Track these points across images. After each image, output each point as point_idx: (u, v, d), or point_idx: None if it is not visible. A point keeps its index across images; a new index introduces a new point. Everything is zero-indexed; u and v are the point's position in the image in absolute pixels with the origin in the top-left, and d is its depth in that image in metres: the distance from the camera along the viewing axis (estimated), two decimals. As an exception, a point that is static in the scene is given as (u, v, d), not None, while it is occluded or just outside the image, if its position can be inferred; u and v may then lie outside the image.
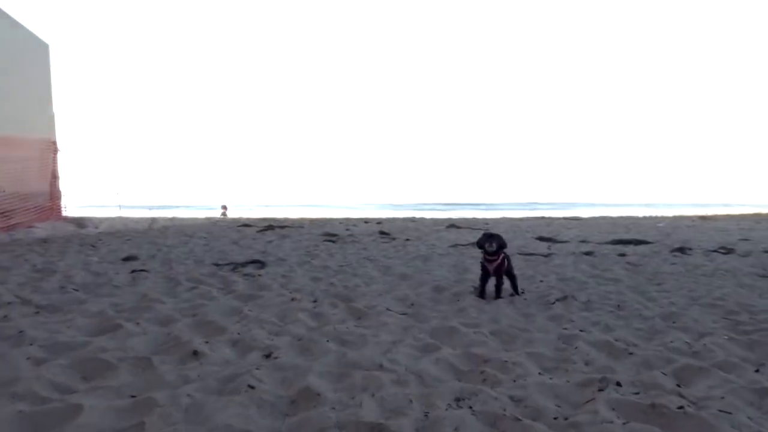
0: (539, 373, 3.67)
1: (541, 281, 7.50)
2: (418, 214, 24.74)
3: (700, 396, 3.26)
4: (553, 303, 6.03)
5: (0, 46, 14.67)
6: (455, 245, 11.48)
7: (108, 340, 4.27)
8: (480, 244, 6.23)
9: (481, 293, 6.33)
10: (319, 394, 3.17)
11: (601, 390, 3.30)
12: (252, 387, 3.23)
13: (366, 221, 18.63)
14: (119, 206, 27.67)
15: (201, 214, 28.32)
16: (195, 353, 3.91)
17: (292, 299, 5.94)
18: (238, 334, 4.55)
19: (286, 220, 18.71)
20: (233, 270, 8.09)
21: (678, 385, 3.48)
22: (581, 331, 4.81)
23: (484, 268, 6.34)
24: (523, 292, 6.65)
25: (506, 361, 3.81)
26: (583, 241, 12.66)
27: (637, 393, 3.29)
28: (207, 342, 4.22)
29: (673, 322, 5.25)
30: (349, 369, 3.68)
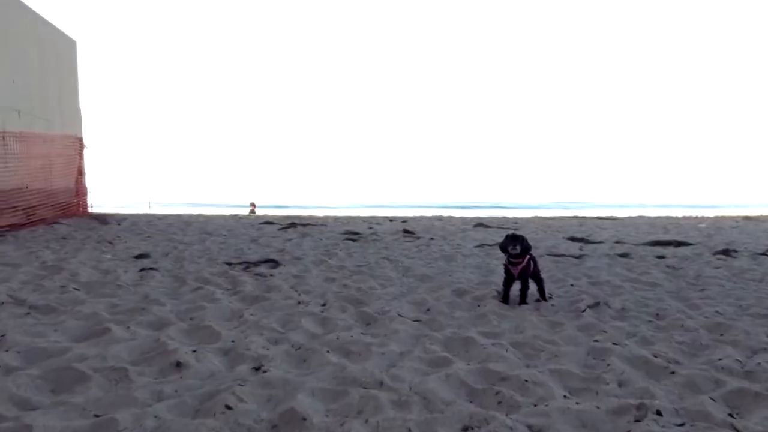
0: (564, 396, 3.17)
1: (572, 285, 6.94)
2: (447, 213, 24.18)
3: (759, 430, 2.73)
4: (584, 310, 5.49)
5: (28, 44, 14.71)
6: (481, 245, 10.95)
7: (91, 346, 3.94)
8: (503, 247, 5.73)
9: (505, 298, 5.83)
10: (305, 419, 2.74)
11: (637, 420, 2.80)
12: (229, 407, 2.83)
13: (391, 220, 18.19)
14: (149, 203, 27.85)
15: (230, 211, 28.31)
16: (178, 364, 3.53)
17: (299, 302, 5.54)
18: (232, 341, 4.17)
19: (310, 218, 18.40)
20: (245, 269, 7.75)
21: (731, 415, 2.94)
22: (615, 344, 4.27)
23: (507, 272, 5.84)
24: (550, 298, 6.12)
25: (527, 381, 3.32)
26: (618, 242, 11.97)
27: (682, 424, 2.78)
28: (195, 351, 3.84)
29: (721, 335, 4.66)
30: (346, 386, 3.25)
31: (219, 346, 4.02)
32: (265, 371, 3.44)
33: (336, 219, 18.37)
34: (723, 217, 21.05)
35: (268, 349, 3.98)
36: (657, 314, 5.44)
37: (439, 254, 9.71)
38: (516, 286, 5.89)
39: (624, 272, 8.04)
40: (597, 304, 5.75)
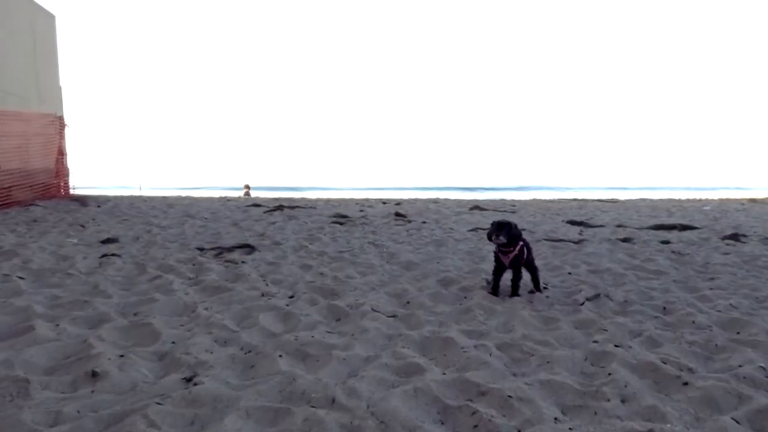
0: (555, 419, 2.59)
1: (569, 274, 6.36)
2: (445, 196, 23.57)
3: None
4: (582, 303, 4.91)
5: (4, 17, 13.97)
6: (475, 229, 10.36)
7: (4, 349, 3.36)
8: (489, 236, 5.14)
9: (494, 289, 5.25)
10: (225, 452, 2.17)
11: (646, 455, 2.22)
12: (133, 437, 2.25)
13: (384, 202, 17.59)
14: (139, 186, 27.22)
15: (224, 194, 27.75)
16: (94, 374, 2.95)
17: (263, 294, 4.96)
18: (173, 343, 3.59)
19: (301, 200, 17.81)
20: (217, 255, 7.17)
21: (761, 444, 2.37)
22: (617, 346, 3.69)
23: (497, 260, 5.25)
24: (545, 288, 5.55)
25: (510, 396, 2.75)
26: (620, 226, 11.37)
27: (702, 461, 2.20)
28: (122, 355, 3.26)
29: (737, 333, 4.09)
30: (290, 403, 2.68)
31: (155, 348, 3.45)
32: (196, 383, 2.87)
33: (328, 202, 17.77)
34: (727, 200, 20.45)
35: (211, 353, 3.41)
36: (664, 308, 4.87)
37: (430, 239, 9.13)
38: (507, 276, 5.32)
39: (626, 259, 7.45)
40: (597, 296, 5.17)
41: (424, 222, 11.61)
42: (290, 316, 4.32)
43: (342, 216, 12.26)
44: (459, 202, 18.49)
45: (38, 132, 14.20)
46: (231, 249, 7.60)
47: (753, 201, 19.29)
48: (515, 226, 5.14)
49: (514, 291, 5.18)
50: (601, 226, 11.43)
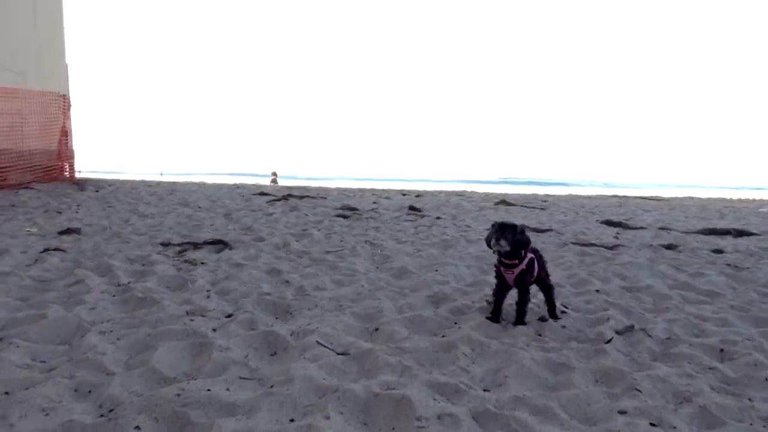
0: None
1: (597, 292, 5.09)
2: (473, 189, 22.24)
3: None
4: (609, 341, 3.66)
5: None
6: (495, 228, 9.09)
7: None
8: (487, 241, 3.93)
9: (494, 314, 4.04)
10: None
11: None
12: None
13: (404, 194, 16.40)
14: (161, 172, 26.73)
15: (255, 181, 27.11)
16: None
17: (188, 313, 3.87)
18: (6, 393, 2.52)
19: (317, 189, 16.78)
20: (180, 253, 6.14)
21: None
22: (653, 425, 2.46)
23: (499, 276, 4.05)
24: (564, 313, 4.30)
25: None
26: (663, 229, 9.92)
27: None
28: None
29: (835, 403, 2.80)
30: None
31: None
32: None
33: (342, 191, 16.68)
34: (786, 201, 18.51)
35: (46, 415, 2.32)
36: (721, 350, 3.59)
37: (439, 238, 7.92)
38: (513, 294, 4.11)
39: (670, 272, 6.11)
40: (630, 328, 3.91)
41: (439, 218, 10.38)
42: (205, 348, 3.21)
43: (350, 208, 11.14)
44: (486, 196, 17.16)
45: (37, 111, 13.47)
46: (200, 245, 6.56)
47: (816, 203, 17.33)
48: (522, 230, 3.90)
49: (519, 319, 3.96)
50: (642, 228, 10.00)
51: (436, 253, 6.81)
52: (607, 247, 7.51)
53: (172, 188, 14.66)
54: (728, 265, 6.57)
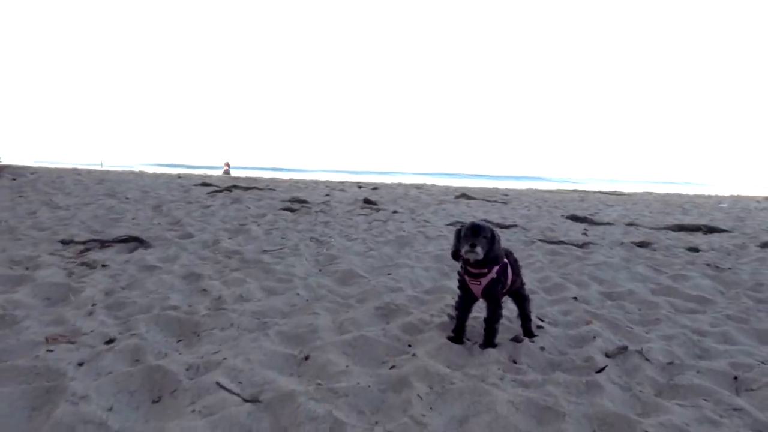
0: None
1: (575, 299, 4.36)
2: (432, 181, 21.52)
3: None
4: (602, 370, 2.89)
5: None
6: (456, 223, 8.34)
7: None
8: (455, 252, 3.11)
9: (457, 334, 3.24)
10: None
11: None
12: None
13: (360, 186, 15.53)
14: (101, 163, 25.07)
15: (207, 172, 25.83)
16: None
17: (48, 340, 2.91)
18: None
19: (266, 180, 15.72)
20: (82, 252, 5.13)
21: None
22: None
23: (463, 287, 3.24)
24: (540, 328, 3.53)
25: None
26: (631, 224, 9.38)
27: None
28: None
29: None
30: None
31: None
32: None
33: (295, 183, 15.69)
34: (742, 197, 18.50)
35: None
36: (735, 378, 2.89)
37: (394, 235, 7.09)
38: (480, 306, 3.31)
39: (650, 274, 5.46)
40: (623, 349, 3.16)
41: (396, 212, 9.56)
42: (53, 397, 2.27)
43: (299, 201, 10.20)
44: (446, 189, 16.46)
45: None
46: (109, 243, 5.54)
47: (771, 199, 17.32)
48: (497, 237, 3.10)
49: (488, 340, 3.15)
50: (609, 223, 9.42)
51: (390, 252, 5.98)
52: (577, 245, 6.84)
53: (103, 178, 13.38)
54: (708, 265, 5.98)
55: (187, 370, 2.60)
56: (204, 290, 4.08)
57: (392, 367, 2.80)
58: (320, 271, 5.02)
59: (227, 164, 32.57)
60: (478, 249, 2.95)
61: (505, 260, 3.24)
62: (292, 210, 8.95)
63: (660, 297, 4.55)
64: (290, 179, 18.04)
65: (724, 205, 14.09)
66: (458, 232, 3.10)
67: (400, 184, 18.02)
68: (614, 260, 6.03)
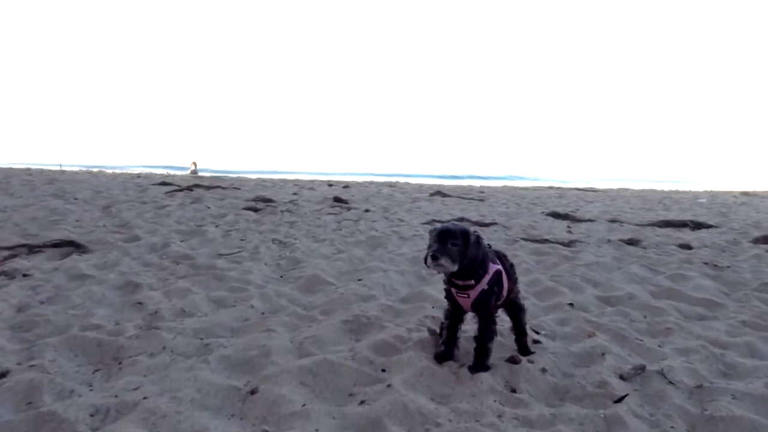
0: None
1: (571, 306, 3.84)
2: (405, 180, 21.01)
3: None
4: (620, 399, 2.35)
5: None
6: (432, 222, 7.79)
7: None
8: (428, 258, 2.54)
9: (445, 351, 2.70)
10: None
11: None
12: None
13: (330, 184, 14.91)
14: (60, 165, 23.91)
15: (163, 172, 24.92)
16: None
17: None
18: None
19: (231, 179, 15.00)
20: (6, 259, 4.43)
21: None
22: None
23: (450, 298, 2.67)
24: (537, 342, 2.99)
25: None
26: (614, 221, 8.96)
27: None
28: None
29: None
30: None
31: None
32: None
33: (262, 182, 14.99)
34: (719, 192, 18.40)
35: None
36: (777, 401, 2.37)
37: (366, 235, 6.51)
38: (469, 325, 2.76)
39: (646, 274, 4.99)
40: (641, 370, 2.63)
41: (368, 210, 8.97)
42: None
43: (264, 200, 9.54)
44: (420, 187, 15.94)
45: None
46: (40, 248, 4.83)
47: (746, 194, 17.24)
48: (477, 238, 2.54)
49: (480, 362, 2.59)
50: (591, 220, 8.99)
51: (361, 254, 5.40)
52: (563, 244, 6.35)
53: (56, 178, 12.51)
54: (706, 263, 5.54)
55: (91, 416, 1.98)
56: (139, 303, 3.43)
57: (362, 403, 2.22)
58: (281, 277, 4.41)
59: (194, 164, 31.56)
60: (444, 261, 2.39)
61: (499, 267, 2.68)
62: (255, 209, 8.30)
63: (663, 301, 4.06)
64: (257, 178, 17.30)
65: (703, 200, 13.87)
66: (433, 232, 2.54)
67: (372, 183, 17.45)
68: (605, 259, 5.55)
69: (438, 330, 2.97)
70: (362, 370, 2.53)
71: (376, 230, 6.95)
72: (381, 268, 4.74)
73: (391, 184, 16.56)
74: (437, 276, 4.45)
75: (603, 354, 2.82)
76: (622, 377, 2.58)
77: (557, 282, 4.52)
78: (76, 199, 8.68)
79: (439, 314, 3.38)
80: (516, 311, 2.88)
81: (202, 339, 2.88)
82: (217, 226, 6.63)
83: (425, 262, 2.48)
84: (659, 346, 3.07)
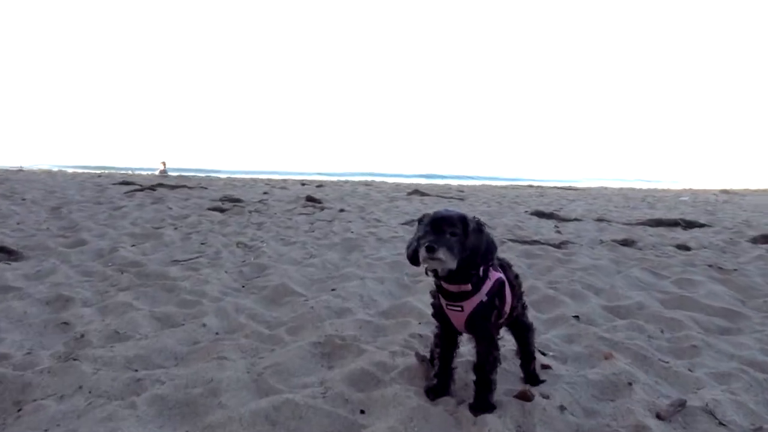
0: None
1: (577, 319, 3.35)
2: (381, 180, 20.48)
3: None
4: (668, 449, 1.84)
5: None
6: (412, 222, 7.27)
7: None
8: (412, 255, 2.02)
9: (440, 386, 2.18)
10: None
11: None
12: None
13: (303, 183, 14.31)
14: (21, 166, 22.81)
15: (145, 173, 24.15)
16: None
17: None
18: None
19: (199, 179, 14.29)
20: None
21: None
22: None
23: (440, 316, 2.15)
24: (547, 368, 2.48)
25: None
26: (601, 220, 8.56)
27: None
28: None
29: None
30: None
31: None
32: None
33: (232, 181, 14.32)
34: (699, 191, 18.27)
35: None
36: None
37: (340, 237, 5.96)
38: (465, 343, 2.24)
39: (650, 279, 4.55)
40: (680, 406, 2.13)
41: (343, 210, 8.41)
42: None
43: (231, 200, 8.91)
44: (396, 186, 15.42)
45: None
46: (-39, 256, 4.16)
47: (725, 192, 17.12)
48: (478, 223, 2.01)
49: (482, 400, 2.07)
50: (578, 219, 8.58)
51: (335, 258, 4.84)
52: (554, 245, 5.88)
53: (9, 177, 11.67)
54: (710, 266, 5.13)
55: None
56: (65, 324, 2.83)
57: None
58: (243, 287, 3.83)
59: (163, 164, 30.70)
60: (442, 254, 1.86)
61: (501, 276, 2.17)
62: (221, 210, 7.67)
63: (677, 311, 3.59)
64: (227, 178, 16.61)
65: (686, 199, 13.64)
66: (422, 221, 2.02)
67: (347, 182, 16.88)
68: (603, 262, 5.10)
69: (428, 355, 2.44)
70: (336, 413, 1.98)
71: (352, 231, 6.40)
72: (357, 275, 4.19)
73: (367, 183, 16.02)
74: (422, 284, 3.93)
75: (630, 384, 2.32)
76: (659, 416, 2.08)
77: (555, 289, 4.03)
78: (24, 199, 7.94)
79: (427, 331, 2.86)
80: (522, 331, 2.37)
81: (135, 371, 2.30)
82: (176, 229, 6.01)
83: (411, 258, 1.96)
84: (690, 370, 2.58)
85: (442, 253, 1.87)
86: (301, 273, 4.22)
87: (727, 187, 19.47)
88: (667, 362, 2.68)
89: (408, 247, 2.08)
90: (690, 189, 19.43)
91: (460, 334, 2.20)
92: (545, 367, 2.53)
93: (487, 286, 2.08)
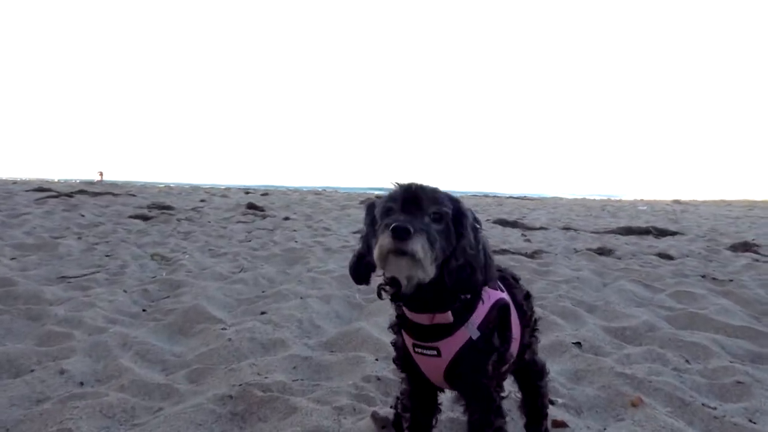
0: None
1: (579, 346, 2.59)
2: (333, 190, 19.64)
3: None
4: None
5: None
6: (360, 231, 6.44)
7: None
8: (360, 256, 1.21)
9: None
10: None
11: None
12: None
13: (248, 191, 13.30)
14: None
15: (80, 178, 22.62)
16: None
17: None
18: None
19: (131, 186, 13.10)
20: None
21: None
22: None
23: (405, 362, 1.32)
24: (563, 425, 1.67)
25: None
26: (568, 228, 7.97)
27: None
28: None
29: None
30: None
31: None
32: None
33: (170, 189, 13.18)
34: (651, 201, 18.22)
35: None
36: None
37: (282, 247, 5.08)
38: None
39: (644, 293, 3.89)
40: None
41: (288, 218, 7.52)
42: None
43: (161, 207, 7.88)
44: (348, 196, 14.59)
45: None
46: None
47: (678, 202, 17.07)
48: (475, 219, 1.21)
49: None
50: (544, 228, 7.96)
51: (271, 272, 3.96)
52: (526, 255, 5.18)
53: None
54: (703, 276, 4.53)
55: None
56: None
57: None
58: (144, 311, 2.92)
59: (101, 173, 29.31)
60: (416, 244, 1.09)
61: (503, 296, 1.38)
62: (145, 218, 6.66)
63: (694, 333, 2.89)
64: (165, 186, 15.41)
65: (644, 208, 13.37)
66: (370, 209, 1.21)
67: (296, 191, 15.94)
68: (584, 273, 4.42)
69: (391, 416, 1.61)
70: None
71: (296, 241, 5.53)
72: (297, 292, 3.33)
73: (317, 192, 15.12)
74: (378, 302, 3.09)
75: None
76: None
77: (542, 307, 3.27)
78: None
79: (388, 372, 2.04)
80: (532, 379, 1.59)
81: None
82: (80, 238, 5.00)
83: (355, 269, 1.17)
84: (752, 421, 1.85)
85: (418, 243, 1.06)
86: (225, 291, 3.32)
87: (678, 198, 19.54)
88: (714, 408, 1.95)
89: (354, 256, 1.27)
90: (642, 200, 19.40)
91: (436, 390, 1.39)
92: (558, 425, 1.75)
93: (480, 313, 1.29)
